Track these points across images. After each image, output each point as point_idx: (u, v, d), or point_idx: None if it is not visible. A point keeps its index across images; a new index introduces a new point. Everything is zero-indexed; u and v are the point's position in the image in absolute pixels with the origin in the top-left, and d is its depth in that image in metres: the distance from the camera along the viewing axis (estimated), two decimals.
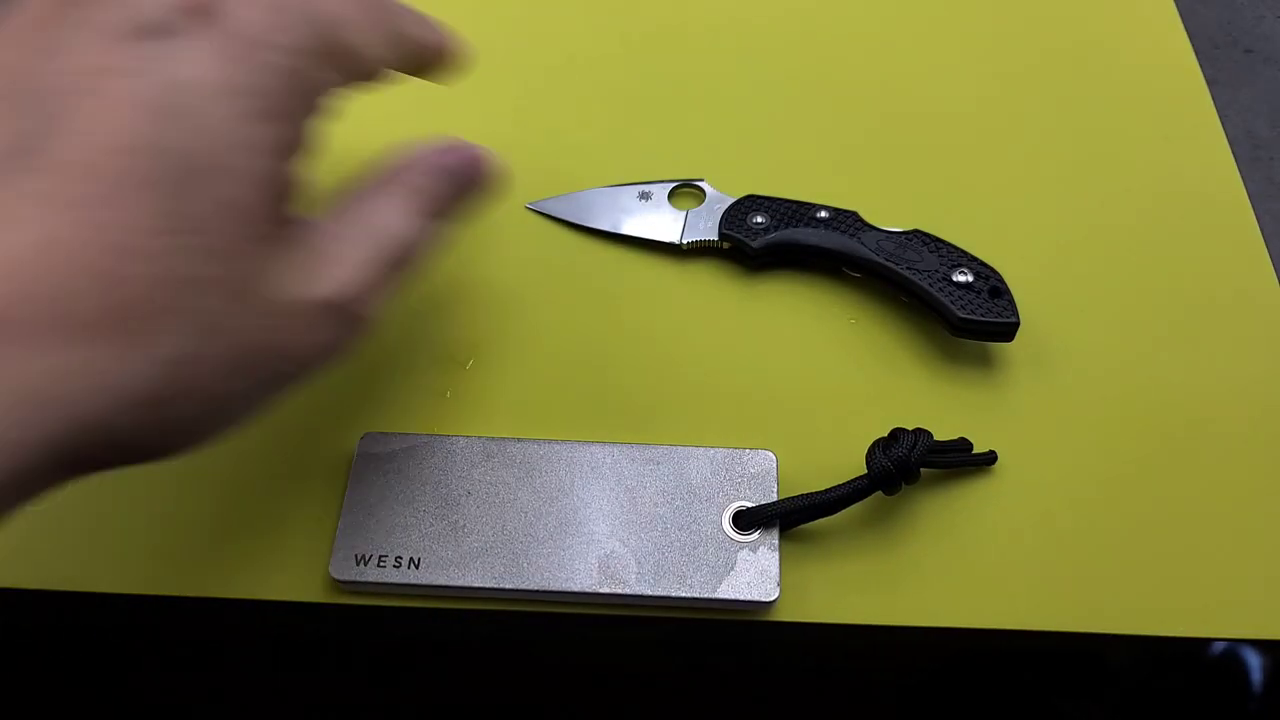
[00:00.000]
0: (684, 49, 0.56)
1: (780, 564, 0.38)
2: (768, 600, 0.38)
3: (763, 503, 0.39)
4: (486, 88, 0.51)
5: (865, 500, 0.39)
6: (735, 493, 0.40)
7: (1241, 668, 0.39)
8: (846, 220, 0.46)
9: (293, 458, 0.42)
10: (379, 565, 0.38)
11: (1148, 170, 0.51)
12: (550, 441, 0.41)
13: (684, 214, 0.48)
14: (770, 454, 0.41)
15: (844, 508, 0.39)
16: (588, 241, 0.49)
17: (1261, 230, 0.49)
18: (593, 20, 0.57)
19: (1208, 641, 0.39)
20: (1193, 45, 0.56)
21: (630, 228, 0.48)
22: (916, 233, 0.45)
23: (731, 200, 0.48)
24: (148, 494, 0.41)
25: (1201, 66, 0.55)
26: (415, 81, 0.37)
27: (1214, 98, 0.54)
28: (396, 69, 0.34)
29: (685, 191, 0.50)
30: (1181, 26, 0.57)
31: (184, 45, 0.25)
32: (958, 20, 0.58)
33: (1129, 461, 0.43)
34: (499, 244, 0.48)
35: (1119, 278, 0.48)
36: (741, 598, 0.38)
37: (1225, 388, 0.44)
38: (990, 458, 0.42)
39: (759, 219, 0.46)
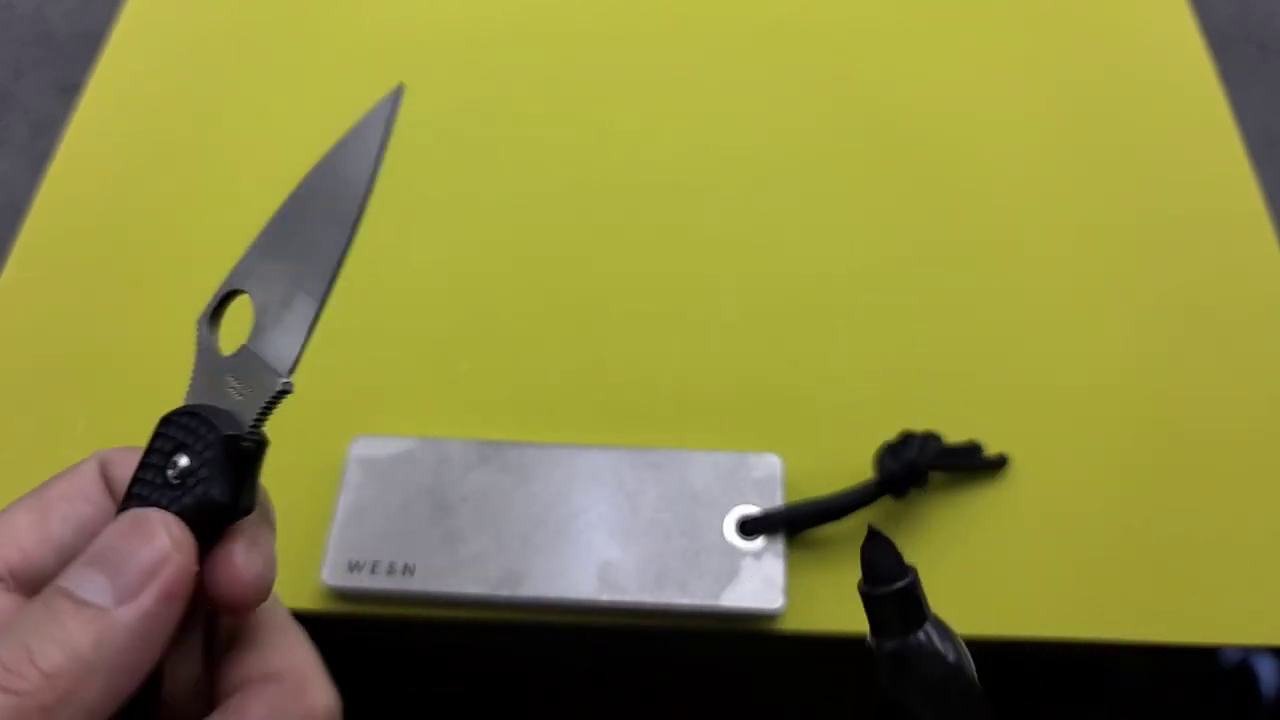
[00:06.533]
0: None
1: (786, 571, 0.37)
2: (773, 609, 0.37)
3: (768, 508, 0.38)
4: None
5: (874, 505, 0.38)
6: (739, 497, 0.39)
7: (1252, 679, 0.38)
8: None
9: (280, 460, 0.40)
10: (372, 572, 0.37)
11: (1160, 168, 0.50)
12: (547, 446, 0.40)
13: None
14: (775, 457, 0.40)
15: (851, 513, 0.38)
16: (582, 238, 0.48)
17: (1277, 229, 0.48)
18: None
19: (1219, 653, 0.38)
20: (1205, 40, 0.55)
21: None
22: None
23: None
24: None
25: (1214, 62, 0.54)
26: None
27: (1227, 94, 0.53)
28: None
29: None
30: (1194, 20, 0.56)
31: None
32: (963, 13, 0.57)
33: (1142, 465, 0.41)
34: (490, 231, 0.47)
35: (1134, 278, 0.47)
36: (746, 606, 0.37)
37: (1240, 391, 0.43)
38: (1001, 461, 0.41)
39: None
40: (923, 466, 0.38)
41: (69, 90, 0.52)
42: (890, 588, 0.23)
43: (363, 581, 0.37)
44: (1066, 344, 0.45)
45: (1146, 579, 0.39)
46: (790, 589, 0.37)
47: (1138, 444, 0.42)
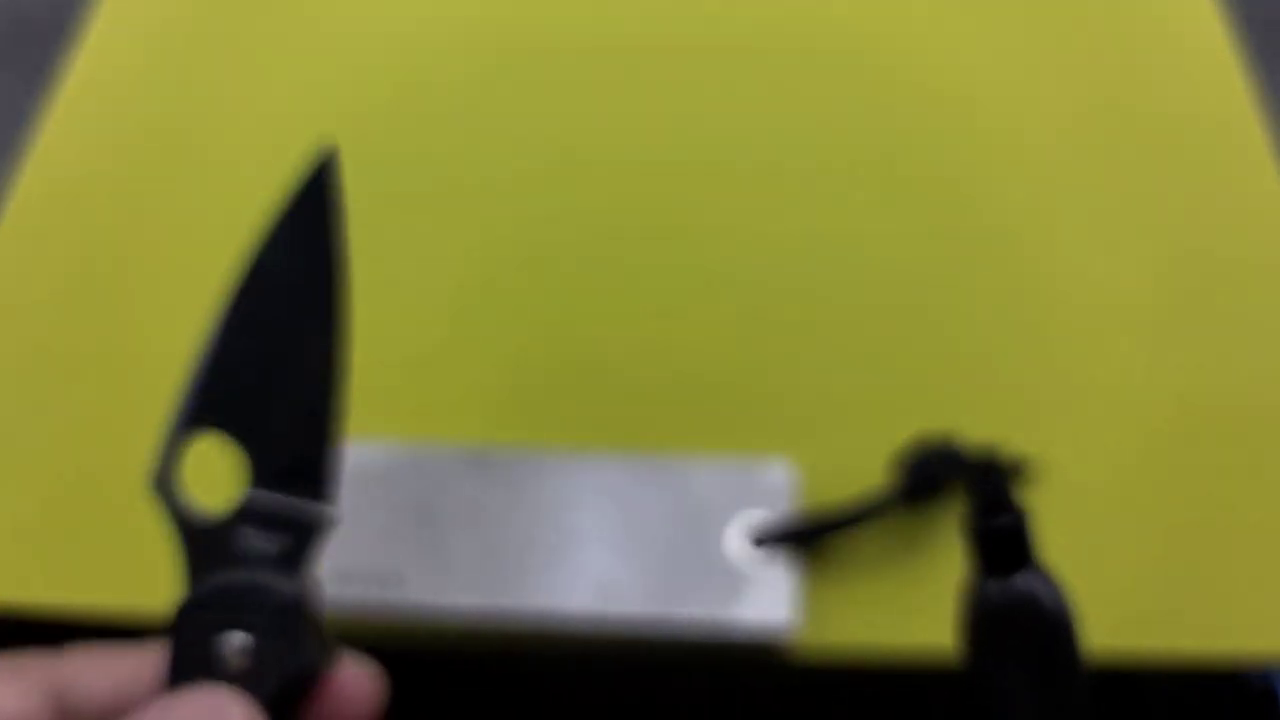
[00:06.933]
0: None
1: (797, 585, 0.35)
2: (784, 625, 0.34)
3: (777, 517, 0.36)
4: None
5: (890, 514, 0.36)
6: (746, 506, 0.37)
7: (1276, 705, 0.37)
8: None
9: None
10: (360, 583, 0.35)
11: (1187, 162, 0.49)
12: (541, 455, 0.38)
13: None
14: (785, 462, 0.38)
15: (866, 522, 0.36)
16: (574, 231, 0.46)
17: None
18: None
19: (1245, 673, 0.37)
20: (1231, 24, 0.53)
21: None
22: None
23: None
24: (99, 506, 0.38)
25: (1240, 47, 0.52)
26: None
27: (1255, 81, 0.51)
28: None
29: None
30: (1216, 3, 0.54)
31: None
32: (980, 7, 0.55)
33: (1167, 469, 0.40)
34: (472, 218, 0.46)
35: (1165, 274, 0.45)
36: (754, 622, 0.34)
37: (1273, 392, 0.42)
38: (1020, 465, 0.39)
39: None
40: (941, 472, 0.37)
41: (45, 80, 0.51)
42: (999, 520, 0.20)
43: (349, 591, 0.35)
44: (1093, 337, 0.43)
45: (1180, 586, 0.37)
46: (802, 604, 0.35)
47: (1164, 445, 0.40)
